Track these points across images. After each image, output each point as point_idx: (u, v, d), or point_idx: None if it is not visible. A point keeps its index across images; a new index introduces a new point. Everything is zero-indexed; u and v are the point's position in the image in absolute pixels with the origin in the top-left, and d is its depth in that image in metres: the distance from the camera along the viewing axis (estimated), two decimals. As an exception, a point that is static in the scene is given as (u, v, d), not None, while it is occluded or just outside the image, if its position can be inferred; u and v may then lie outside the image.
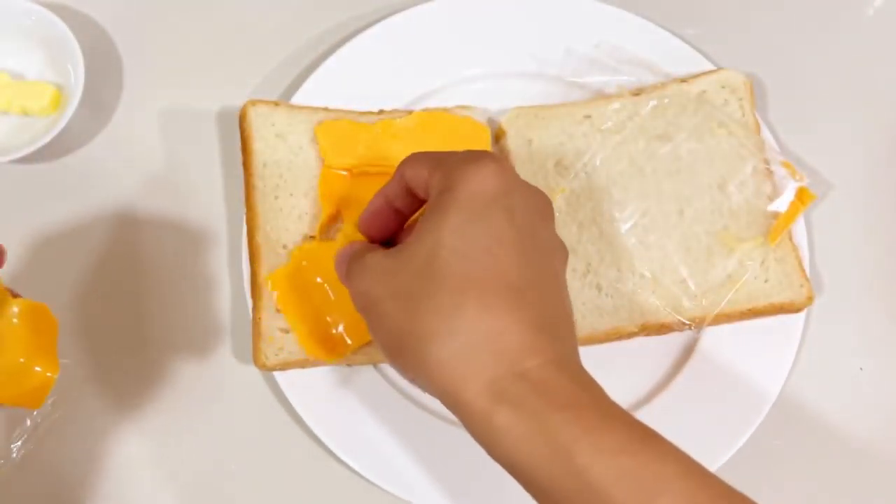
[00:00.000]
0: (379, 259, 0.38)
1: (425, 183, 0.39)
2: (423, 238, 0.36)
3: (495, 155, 0.38)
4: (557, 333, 0.36)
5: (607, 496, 0.31)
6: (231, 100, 0.56)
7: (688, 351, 0.53)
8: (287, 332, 0.49)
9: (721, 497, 0.33)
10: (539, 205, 0.38)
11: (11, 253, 0.53)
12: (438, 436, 0.50)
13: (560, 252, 0.39)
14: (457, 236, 0.35)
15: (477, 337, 0.34)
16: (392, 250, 0.38)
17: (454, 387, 0.34)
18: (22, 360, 0.41)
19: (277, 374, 0.50)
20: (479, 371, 0.33)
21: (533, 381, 0.33)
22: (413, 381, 0.37)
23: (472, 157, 0.37)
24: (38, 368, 0.41)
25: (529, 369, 0.34)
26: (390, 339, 0.36)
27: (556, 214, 0.52)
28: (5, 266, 0.41)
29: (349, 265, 0.40)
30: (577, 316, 0.51)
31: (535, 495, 0.34)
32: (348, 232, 0.49)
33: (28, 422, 0.50)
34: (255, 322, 0.50)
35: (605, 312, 0.51)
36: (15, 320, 0.41)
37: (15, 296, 0.42)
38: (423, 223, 0.37)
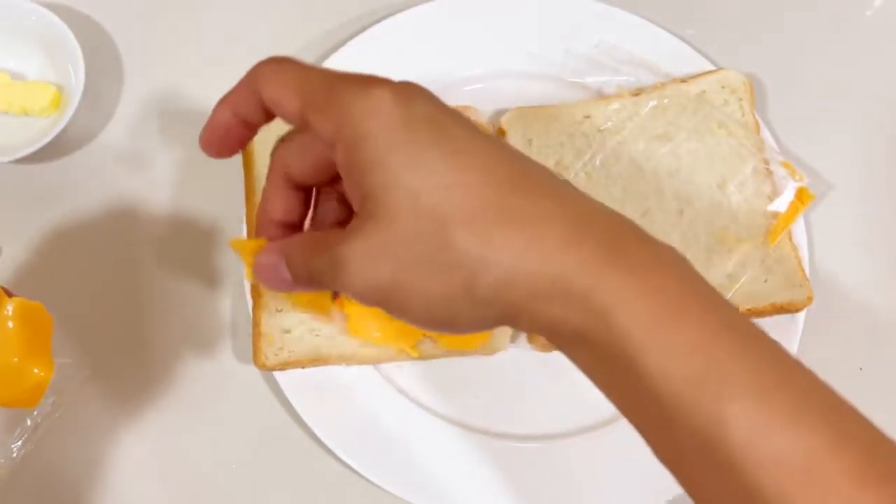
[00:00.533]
0: (354, 246, 0.33)
1: (297, 117, 0.35)
2: (389, 198, 0.32)
3: (378, 77, 0.34)
4: (565, 195, 0.33)
5: (674, 403, 0.29)
6: (231, 100, 0.56)
7: (688, 351, 0.53)
8: (287, 332, 0.49)
9: (802, 396, 0.31)
10: (426, 90, 0.35)
11: (11, 253, 0.53)
12: (438, 436, 0.50)
13: None
14: (420, 175, 0.32)
15: (518, 249, 0.31)
16: (360, 232, 0.33)
17: (513, 303, 0.31)
18: (16, 360, 0.40)
19: (277, 374, 0.50)
20: (532, 280, 0.31)
21: (587, 278, 0.31)
22: (470, 328, 0.34)
23: (362, 90, 0.34)
24: (35, 370, 0.41)
25: (583, 262, 0.31)
26: (436, 310, 0.33)
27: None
28: (2, 266, 0.41)
29: (307, 269, 0.35)
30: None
31: (611, 395, 0.32)
32: None
33: (28, 422, 0.50)
34: (255, 322, 0.50)
35: (605, 312, 0.51)
36: (9, 321, 0.41)
37: (10, 295, 0.42)
38: (369, 182, 0.32)
